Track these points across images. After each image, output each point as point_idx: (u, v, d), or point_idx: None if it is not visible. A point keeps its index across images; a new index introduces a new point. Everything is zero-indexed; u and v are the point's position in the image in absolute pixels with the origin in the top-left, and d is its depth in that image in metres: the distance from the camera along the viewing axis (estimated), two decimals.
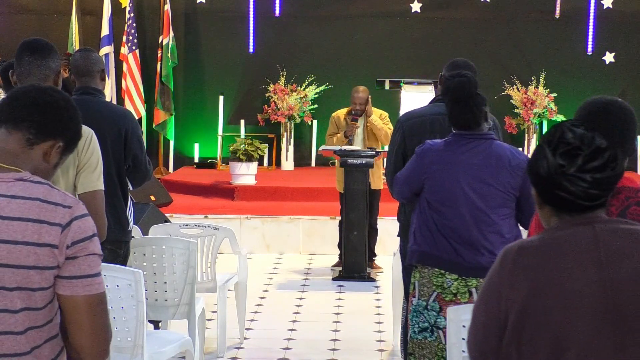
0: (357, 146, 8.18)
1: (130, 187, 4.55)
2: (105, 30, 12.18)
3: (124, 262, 4.35)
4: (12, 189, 2.14)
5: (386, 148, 7.03)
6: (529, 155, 2.09)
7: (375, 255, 8.24)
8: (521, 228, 4.02)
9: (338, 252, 8.29)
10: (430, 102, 4.81)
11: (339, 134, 8.26)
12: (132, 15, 12.27)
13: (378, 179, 8.07)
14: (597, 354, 1.93)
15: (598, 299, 1.94)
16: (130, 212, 4.50)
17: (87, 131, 3.57)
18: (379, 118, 8.24)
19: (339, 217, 8.25)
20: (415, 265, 3.98)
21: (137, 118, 11.31)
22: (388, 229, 8.09)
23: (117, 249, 4.32)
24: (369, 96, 8.31)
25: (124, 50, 12.23)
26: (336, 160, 8.27)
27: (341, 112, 8.41)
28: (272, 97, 12.52)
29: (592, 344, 1.93)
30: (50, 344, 2.17)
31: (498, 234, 3.84)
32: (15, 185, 2.15)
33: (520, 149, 4.36)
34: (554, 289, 1.95)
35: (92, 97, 4.37)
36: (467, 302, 3.80)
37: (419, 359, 3.93)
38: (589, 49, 12.84)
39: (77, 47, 11.54)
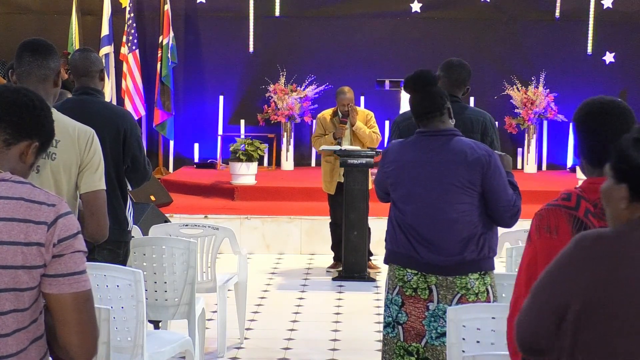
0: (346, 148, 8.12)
1: (129, 187, 4.55)
2: (105, 30, 12.18)
3: (123, 262, 4.35)
4: None
5: None
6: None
7: (372, 254, 8.22)
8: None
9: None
10: None
11: (327, 136, 8.21)
12: (132, 15, 12.27)
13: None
14: None
15: None
16: (130, 213, 4.50)
17: (89, 131, 3.57)
18: (365, 118, 8.16)
19: None
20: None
21: (137, 118, 11.36)
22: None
23: (116, 249, 4.31)
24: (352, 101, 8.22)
25: (124, 50, 12.23)
26: (322, 162, 8.21)
27: (327, 113, 8.34)
28: (272, 97, 12.52)
29: None
30: (36, 345, 2.16)
31: (455, 232, 3.77)
32: None
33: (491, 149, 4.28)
34: (624, 282, 1.95)
35: (91, 97, 4.37)
36: (427, 298, 3.78)
37: (383, 355, 3.93)
38: (589, 49, 12.85)
39: (77, 47, 11.54)
